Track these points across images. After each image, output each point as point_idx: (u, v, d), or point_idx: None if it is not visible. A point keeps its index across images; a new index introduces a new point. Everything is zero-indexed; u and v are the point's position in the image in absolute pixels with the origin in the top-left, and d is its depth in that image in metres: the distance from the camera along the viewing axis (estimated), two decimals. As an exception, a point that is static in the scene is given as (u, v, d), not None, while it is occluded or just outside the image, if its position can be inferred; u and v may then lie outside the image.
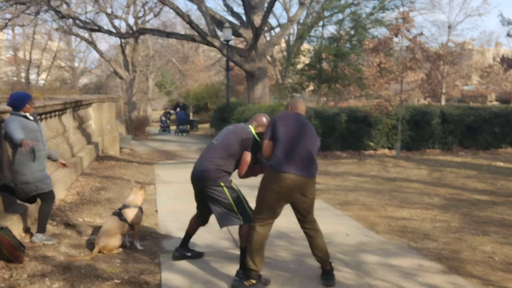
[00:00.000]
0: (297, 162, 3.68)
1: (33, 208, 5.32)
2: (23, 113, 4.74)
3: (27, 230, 5.12)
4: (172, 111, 23.97)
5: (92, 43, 25.94)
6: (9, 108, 4.81)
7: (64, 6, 18.43)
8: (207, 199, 4.08)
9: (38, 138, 4.81)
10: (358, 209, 6.62)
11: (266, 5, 15.92)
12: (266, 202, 3.74)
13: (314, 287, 3.86)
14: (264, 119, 4.15)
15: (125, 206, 4.82)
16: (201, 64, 37.13)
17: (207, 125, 24.38)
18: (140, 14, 27.14)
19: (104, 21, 62.95)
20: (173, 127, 23.32)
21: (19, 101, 4.75)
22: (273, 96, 25.42)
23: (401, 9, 20.41)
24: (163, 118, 23.67)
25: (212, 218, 6.24)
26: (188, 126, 22.65)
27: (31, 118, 4.82)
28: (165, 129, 23.37)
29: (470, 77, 30.57)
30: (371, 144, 12.73)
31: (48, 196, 4.92)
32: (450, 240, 5.13)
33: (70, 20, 20.29)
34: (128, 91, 27.55)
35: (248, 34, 16.68)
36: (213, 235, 5.35)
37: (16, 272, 4.02)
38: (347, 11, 25.24)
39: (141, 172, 9.90)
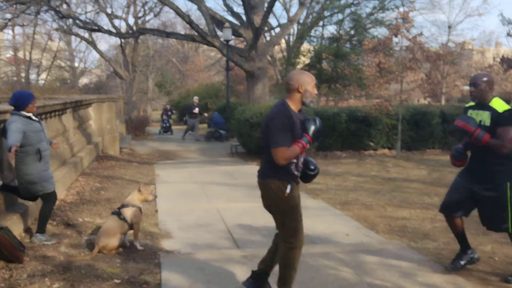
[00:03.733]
0: None
1: (33, 208, 5.32)
2: (27, 114, 4.66)
3: (27, 230, 5.12)
4: (173, 111, 22.24)
5: (92, 43, 25.96)
6: (9, 108, 4.70)
7: (64, 6, 18.44)
8: None
9: (42, 138, 4.78)
10: (358, 209, 6.61)
11: (266, 5, 15.92)
12: None
13: (314, 286, 3.86)
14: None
15: (123, 206, 4.83)
16: (201, 64, 37.19)
17: (207, 125, 24.34)
18: (140, 14, 27.20)
19: (104, 21, 63.13)
20: (175, 127, 22.80)
21: (22, 101, 4.65)
22: (273, 96, 25.42)
23: (401, 9, 20.45)
24: (165, 117, 21.44)
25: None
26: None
27: (35, 118, 4.76)
28: (166, 129, 21.20)
29: (470, 77, 30.56)
30: (371, 144, 12.73)
31: (50, 197, 4.91)
32: (450, 240, 5.12)
33: (70, 20, 20.32)
34: (128, 91, 27.55)
35: (248, 34, 16.67)
36: (213, 235, 5.36)
37: (16, 272, 4.02)
38: (347, 11, 25.28)
39: (141, 172, 9.91)
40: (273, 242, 3.60)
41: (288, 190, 3.27)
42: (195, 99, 19.17)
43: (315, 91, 3.37)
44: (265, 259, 3.63)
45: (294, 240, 3.33)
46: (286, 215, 3.32)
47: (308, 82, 3.31)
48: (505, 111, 3.78)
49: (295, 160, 3.32)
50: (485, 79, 3.87)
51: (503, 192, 3.83)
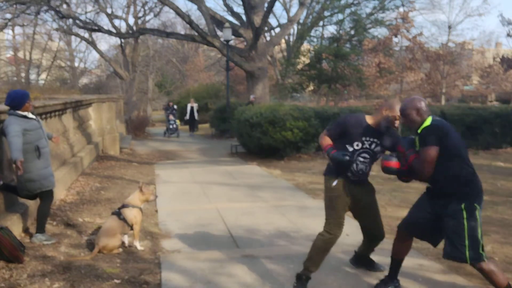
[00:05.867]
0: None
1: (33, 208, 5.31)
2: (23, 113, 4.65)
3: (27, 230, 5.12)
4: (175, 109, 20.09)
5: (92, 43, 25.98)
6: (8, 108, 4.71)
7: (64, 6, 18.45)
8: None
9: (41, 136, 4.78)
10: (358, 209, 6.60)
11: (266, 5, 15.93)
12: None
13: (314, 286, 3.86)
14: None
15: (124, 206, 4.83)
16: (201, 64, 37.19)
17: (207, 125, 24.33)
18: (140, 14, 27.26)
19: (104, 21, 63.16)
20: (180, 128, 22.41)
21: (18, 100, 4.62)
22: (273, 96, 25.42)
23: (401, 9, 20.46)
24: (171, 117, 19.02)
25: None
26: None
27: (31, 116, 4.74)
28: (173, 131, 18.94)
29: (470, 77, 30.56)
30: (371, 144, 12.74)
31: (47, 195, 4.91)
32: (450, 240, 5.12)
33: (70, 20, 20.33)
34: (128, 91, 27.56)
35: (248, 34, 16.69)
36: (213, 235, 5.36)
37: (16, 272, 4.02)
38: (347, 11, 25.30)
39: (141, 172, 9.90)
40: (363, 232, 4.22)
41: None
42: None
43: (396, 124, 3.66)
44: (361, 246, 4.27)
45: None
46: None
47: (395, 111, 3.59)
48: (422, 130, 3.32)
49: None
50: (413, 107, 3.39)
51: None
